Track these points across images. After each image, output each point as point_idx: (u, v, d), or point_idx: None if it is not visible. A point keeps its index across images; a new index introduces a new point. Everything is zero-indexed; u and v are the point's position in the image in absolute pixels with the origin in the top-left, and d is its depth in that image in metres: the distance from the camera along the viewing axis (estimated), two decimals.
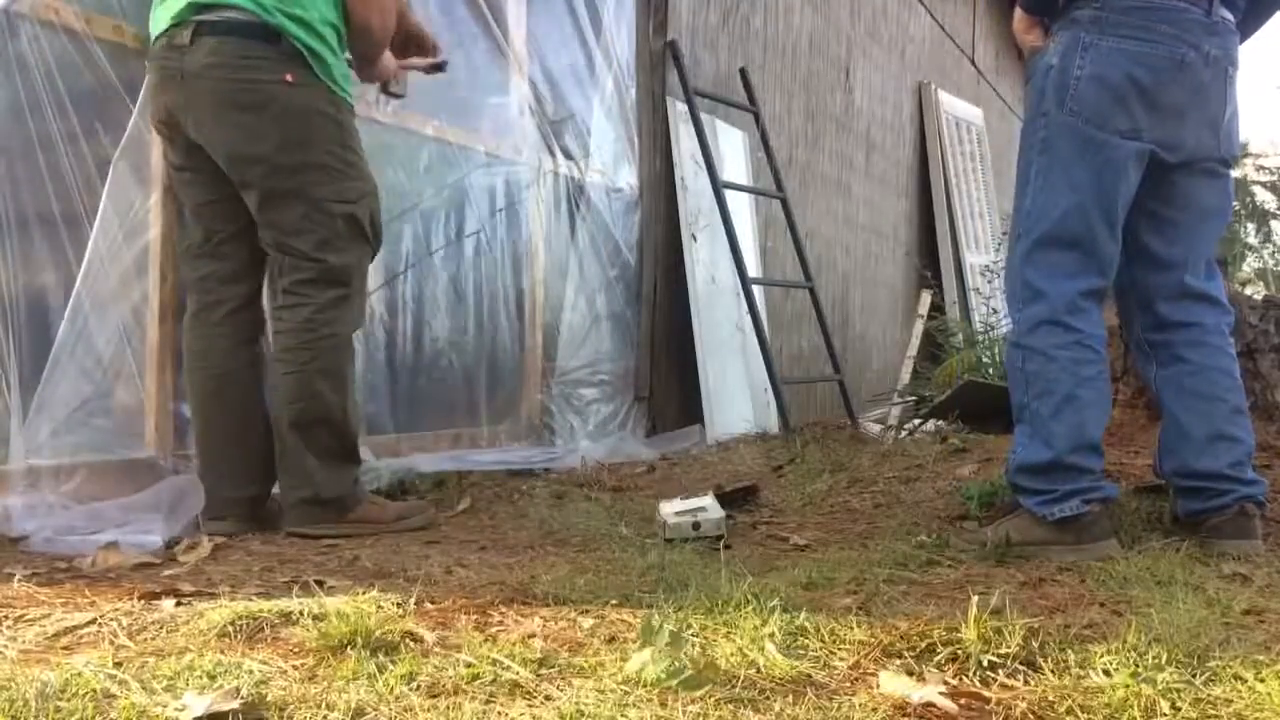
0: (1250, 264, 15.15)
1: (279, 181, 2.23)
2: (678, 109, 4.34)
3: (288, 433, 2.28)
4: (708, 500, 2.35)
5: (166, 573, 1.90)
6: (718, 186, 4.32)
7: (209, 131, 2.22)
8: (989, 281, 7.33)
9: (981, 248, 8.09)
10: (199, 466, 2.34)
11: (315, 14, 2.23)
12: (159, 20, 2.23)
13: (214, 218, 2.31)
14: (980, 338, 5.59)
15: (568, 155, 3.77)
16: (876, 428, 5.07)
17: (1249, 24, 2.27)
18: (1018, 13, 2.34)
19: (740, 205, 4.71)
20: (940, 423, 4.16)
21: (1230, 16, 2.16)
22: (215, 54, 2.17)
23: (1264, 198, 15.71)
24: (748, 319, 4.44)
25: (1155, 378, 2.24)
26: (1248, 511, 2.11)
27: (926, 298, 7.21)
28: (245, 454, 2.33)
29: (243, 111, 2.19)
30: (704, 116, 4.35)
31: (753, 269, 4.61)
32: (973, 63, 9.04)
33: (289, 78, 2.19)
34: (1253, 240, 15.35)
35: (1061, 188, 2.10)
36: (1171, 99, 2.09)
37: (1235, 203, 15.47)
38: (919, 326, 7.05)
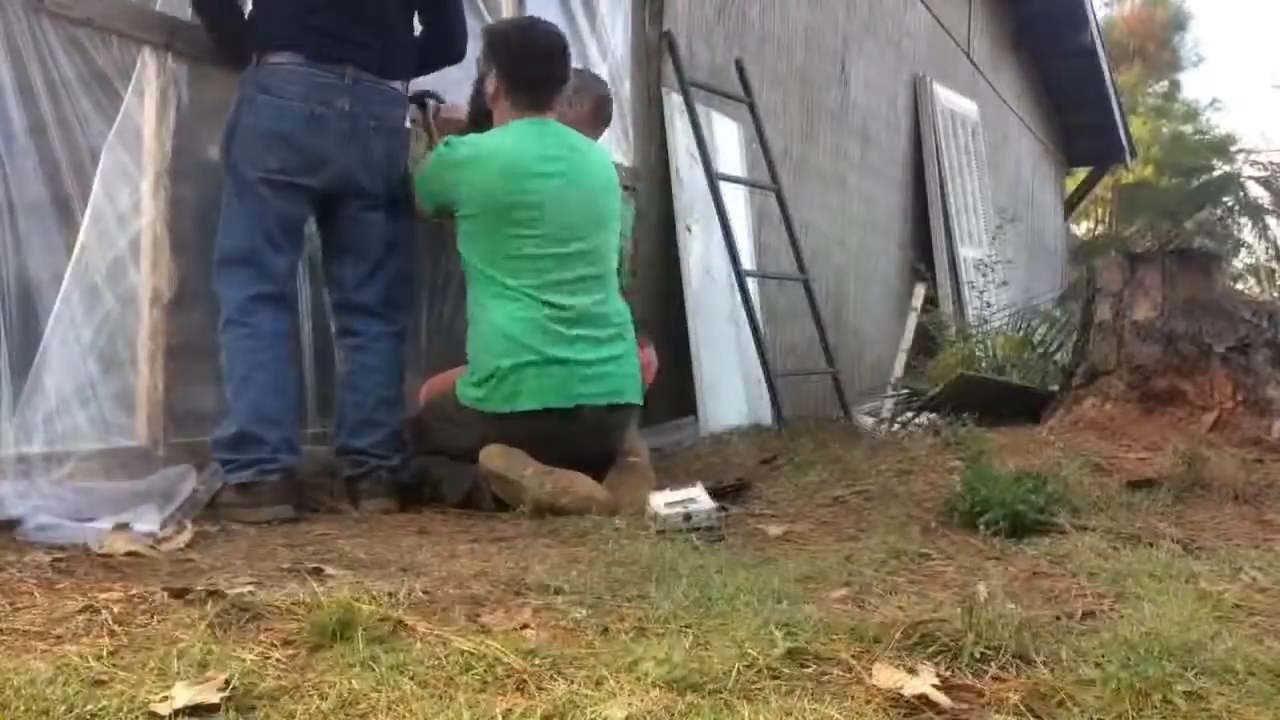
0: (1242, 259, 15.19)
1: None
2: (673, 101, 4.32)
3: None
4: (696, 490, 2.34)
5: (158, 561, 1.89)
6: (713, 179, 4.31)
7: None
8: (983, 275, 7.34)
9: (975, 241, 8.09)
10: None
11: None
12: None
13: None
14: (974, 331, 5.60)
15: None
16: (870, 421, 5.07)
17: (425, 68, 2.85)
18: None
19: (735, 198, 4.70)
20: (933, 416, 4.17)
21: (383, 80, 2.64)
22: None
23: (1257, 193, 15.74)
24: (742, 312, 4.44)
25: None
26: (382, 477, 2.62)
27: (920, 291, 7.21)
28: None
29: None
30: (699, 108, 4.34)
31: (747, 262, 4.61)
32: (968, 57, 9.04)
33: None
34: (1247, 236, 15.38)
35: (240, 216, 2.51)
36: (310, 144, 2.53)
37: (1228, 198, 15.50)
38: (913, 320, 7.05)
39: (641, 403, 2.89)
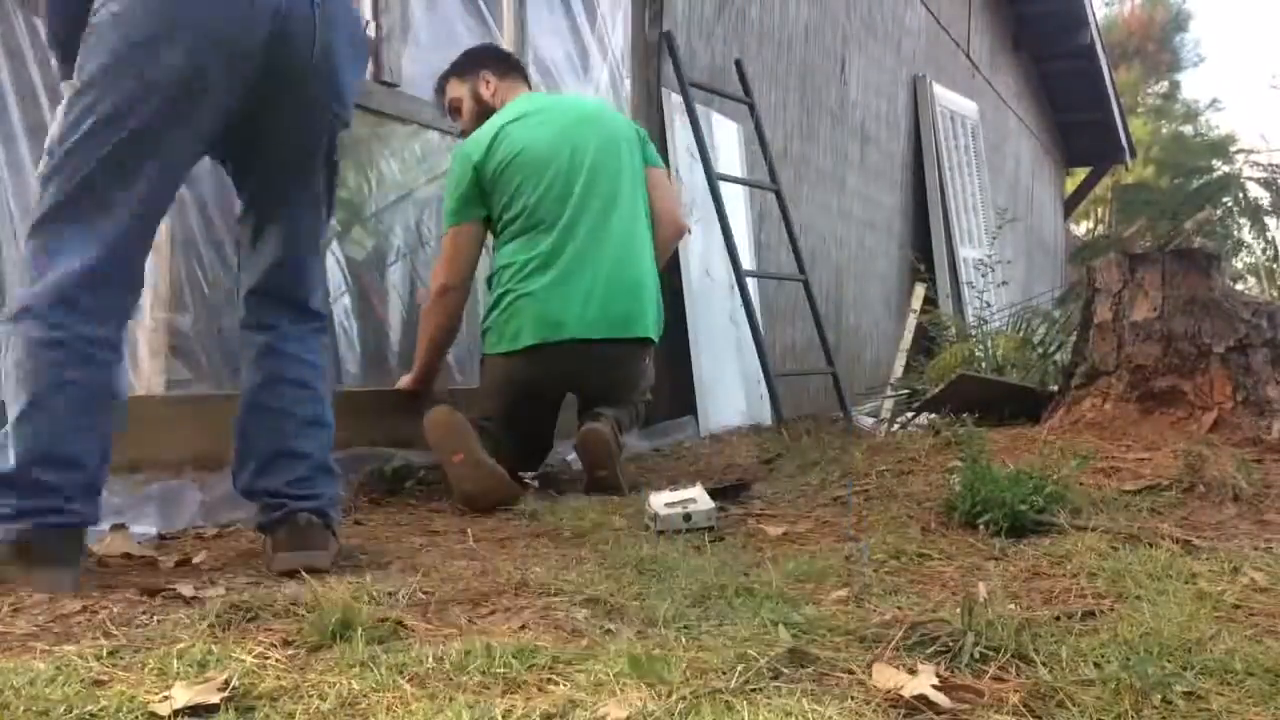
0: (1243, 259, 15.21)
1: None
2: (673, 100, 4.32)
3: None
4: (696, 490, 2.34)
5: (158, 562, 1.89)
6: (712, 179, 4.31)
7: None
8: (983, 275, 7.35)
9: (975, 241, 8.10)
10: None
11: None
12: None
13: None
14: (973, 331, 5.60)
15: None
16: (869, 421, 5.07)
17: None
18: None
19: (735, 198, 4.70)
20: (933, 416, 4.16)
21: None
22: None
23: (1257, 193, 15.74)
24: (741, 311, 4.44)
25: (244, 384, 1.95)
26: (303, 521, 1.86)
27: (920, 291, 7.21)
28: None
29: None
30: (699, 108, 4.34)
31: (747, 262, 4.61)
32: (968, 56, 9.04)
33: None
34: (1246, 236, 15.39)
35: (103, 104, 1.41)
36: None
37: (1228, 199, 15.49)
38: (912, 320, 7.05)
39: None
